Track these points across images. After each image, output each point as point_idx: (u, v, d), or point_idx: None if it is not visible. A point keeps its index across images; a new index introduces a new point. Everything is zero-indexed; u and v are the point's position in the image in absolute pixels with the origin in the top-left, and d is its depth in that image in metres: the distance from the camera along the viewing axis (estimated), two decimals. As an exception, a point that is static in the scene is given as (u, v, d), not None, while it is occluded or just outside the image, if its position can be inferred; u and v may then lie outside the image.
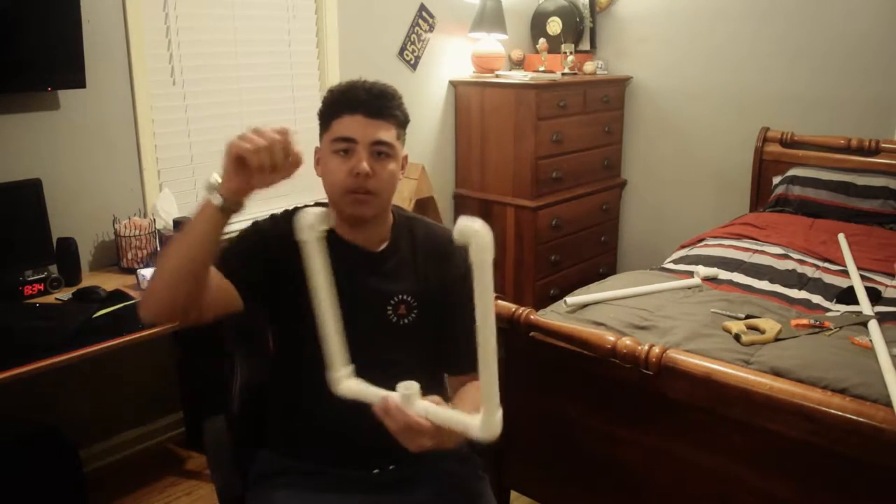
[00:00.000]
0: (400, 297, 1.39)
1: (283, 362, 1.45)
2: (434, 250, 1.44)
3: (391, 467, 1.40)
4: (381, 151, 1.32)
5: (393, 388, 1.13)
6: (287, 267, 1.29)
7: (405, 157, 1.40)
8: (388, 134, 1.32)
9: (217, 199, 1.11)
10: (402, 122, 1.36)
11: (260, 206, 2.93)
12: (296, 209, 1.37)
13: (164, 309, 1.19)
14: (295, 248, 1.19)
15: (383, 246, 1.41)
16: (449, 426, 1.09)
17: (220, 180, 1.12)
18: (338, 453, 1.38)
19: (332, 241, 1.35)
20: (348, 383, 1.15)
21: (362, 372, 1.26)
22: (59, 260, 2.27)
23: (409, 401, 1.09)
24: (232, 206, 1.12)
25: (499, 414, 1.05)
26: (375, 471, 1.39)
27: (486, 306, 1.00)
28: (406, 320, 1.39)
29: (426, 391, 1.29)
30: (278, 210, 1.46)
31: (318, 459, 1.38)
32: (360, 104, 1.30)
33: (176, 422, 2.75)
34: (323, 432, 1.38)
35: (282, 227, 1.35)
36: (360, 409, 1.16)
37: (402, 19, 3.34)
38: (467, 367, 1.27)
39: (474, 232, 0.97)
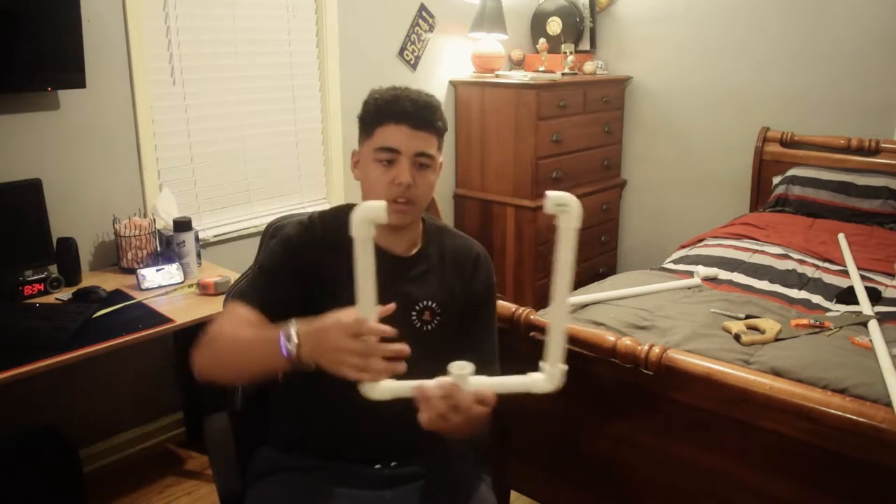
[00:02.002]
0: (425, 303, 1.41)
1: None
2: (461, 261, 1.46)
3: (392, 464, 1.40)
4: (423, 163, 1.35)
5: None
6: (316, 271, 1.35)
7: (441, 164, 1.43)
8: (430, 145, 1.35)
9: (290, 355, 1.12)
10: (442, 132, 1.39)
11: (265, 206, 2.94)
12: (322, 214, 1.42)
13: (218, 381, 1.29)
14: (326, 252, 1.27)
15: (413, 251, 1.44)
16: (511, 391, 1.16)
17: (297, 341, 1.12)
18: (341, 449, 1.38)
19: None
20: (382, 385, 1.14)
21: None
22: (59, 260, 2.27)
23: (464, 380, 1.12)
24: (302, 367, 1.14)
25: (564, 367, 1.15)
26: (377, 466, 1.39)
27: (566, 270, 1.10)
28: (429, 327, 1.41)
29: None
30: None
31: (320, 455, 1.38)
32: (405, 115, 1.32)
33: (176, 422, 2.75)
34: (327, 428, 1.39)
35: (313, 232, 1.39)
36: (366, 405, 1.17)
37: (402, 19, 3.34)
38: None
39: (569, 199, 1.08)
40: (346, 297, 1.14)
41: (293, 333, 1.13)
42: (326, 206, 1.50)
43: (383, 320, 1.26)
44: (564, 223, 1.09)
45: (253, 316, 1.31)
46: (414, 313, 1.40)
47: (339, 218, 1.39)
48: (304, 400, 1.41)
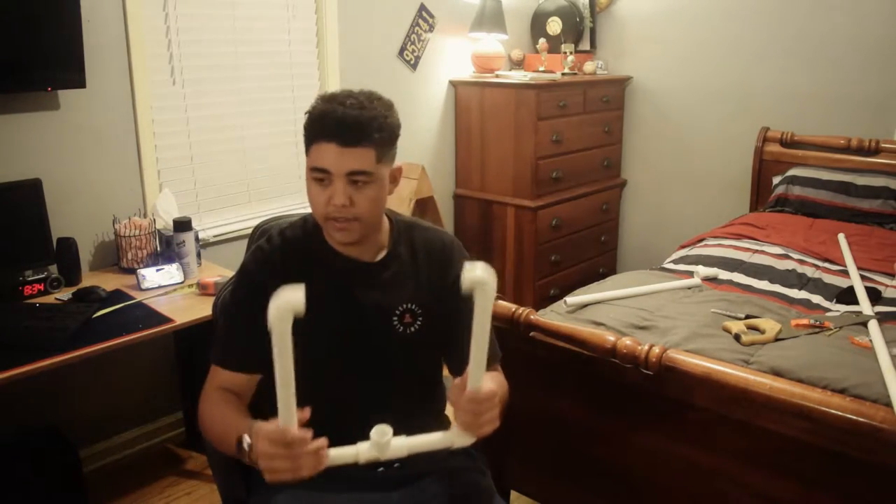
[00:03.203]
0: (405, 306, 1.38)
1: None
2: (434, 255, 1.43)
3: (395, 465, 1.39)
4: (358, 180, 1.26)
5: (401, 401, 1.25)
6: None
7: (398, 169, 1.36)
8: (364, 161, 1.25)
9: (249, 459, 1.18)
10: (384, 141, 1.28)
11: (265, 206, 2.94)
12: (282, 232, 1.38)
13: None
14: (288, 275, 1.18)
15: (381, 255, 1.39)
16: (431, 448, 1.17)
17: (247, 449, 1.18)
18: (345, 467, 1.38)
19: (330, 255, 1.37)
20: (330, 454, 1.15)
21: (372, 385, 1.36)
22: (59, 260, 2.27)
23: (385, 447, 1.13)
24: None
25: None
26: (380, 469, 1.39)
27: (483, 341, 1.09)
28: (412, 328, 1.38)
29: (428, 400, 1.38)
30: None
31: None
32: (332, 133, 1.24)
33: (176, 422, 2.75)
34: (328, 434, 1.38)
35: (272, 258, 1.35)
36: (367, 409, 1.21)
37: (402, 19, 3.34)
38: (459, 367, 1.28)
39: (482, 282, 1.04)
40: (308, 322, 1.09)
41: (245, 443, 1.19)
42: (304, 214, 1.48)
43: (368, 330, 1.33)
44: (481, 301, 1.06)
45: (235, 380, 1.34)
46: (395, 318, 1.37)
47: (302, 232, 1.38)
48: (308, 405, 1.40)
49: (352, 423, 1.18)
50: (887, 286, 2.27)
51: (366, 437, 1.17)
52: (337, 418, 1.20)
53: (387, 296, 1.37)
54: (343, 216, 1.27)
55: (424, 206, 3.29)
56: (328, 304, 1.33)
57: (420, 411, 1.42)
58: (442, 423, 1.50)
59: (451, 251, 1.45)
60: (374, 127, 1.26)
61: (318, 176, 1.27)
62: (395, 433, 1.18)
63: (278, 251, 1.36)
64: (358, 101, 1.27)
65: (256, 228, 1.59)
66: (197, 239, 2.50)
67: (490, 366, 1.24)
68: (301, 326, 1.16)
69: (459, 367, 1.35)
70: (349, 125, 1.24)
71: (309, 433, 1.09)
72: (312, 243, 1.37)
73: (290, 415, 1.07)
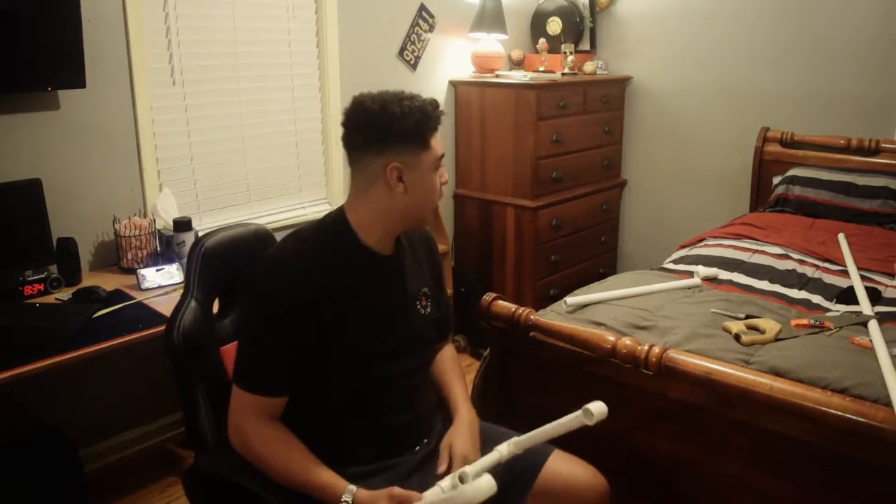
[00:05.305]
0: (421, 290, 1.53)
1: (326, 373, 1.41)
2: (423, 245, 1.60)
3: (425, 440, 1.51)
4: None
5: (424, 373, 1.55)
6: (326, 300, 1.34)
7: None
8: None
9: None
10: None
11: (265, 206, 2.94)
12: (294, 246, 1.39)
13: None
14: (330, 273, 1.35)
15: (393, 248, 1.48)
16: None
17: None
18: (389, 446, 1.45)
19: (355, 251, 1.41)
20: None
21: (406, 362, 1.47)
22: (59, 260, 2.27)
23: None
24: None
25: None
26: (416, 448, 1.48)
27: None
28: (428, 309, 1.54)
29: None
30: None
31: (368, 459, 1.42)
32: (439, 122, 1.38)
33: (176, 422, 2.75)
34: (371, 431, 1.45)
35: (295, 284, 1.32)
36: (401, 384, 1.45)
37: (402, 19, 3.34)
38: (446, 334, 1.65)
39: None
40: (354, 315, 1.37)
41: (349, 500, 1.26)
42: (326, 207, 1.55)
43: (408, 314, 1.49)
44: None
45: (277, 403, 1.36)
46: (419, 302, 1.52)
47: (316, 235, 1.41)
48: (346, 411, 1.43)
49: (391, 398, 1.43)
50: (887, 286, 2.27)
51: (403, 409, 1.45)
52: (377, 394, 1.42)
53: (408, 283, 1.50)
54: None
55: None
56: (367, 293, 1.42)
57: (431, 379, 1.61)
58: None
59: (430, 238, 1.66)
60: None
61: (438, 164, 1.41)
62: (421, 397, 1.50)
63: (304, 262, 1.35)
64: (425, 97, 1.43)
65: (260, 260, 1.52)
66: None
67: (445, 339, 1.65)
68: (343, 315, 1.35)
69: (441, 335, 1.65)
70: (441, 113, 1.40)
71: None
72: (334, 243, 1.41)
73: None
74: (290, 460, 1.32)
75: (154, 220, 2.48)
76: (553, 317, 1.97)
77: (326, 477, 1.30)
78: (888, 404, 1.43)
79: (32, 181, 2.19)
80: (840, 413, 1.39)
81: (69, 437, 2.25)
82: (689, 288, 2.24)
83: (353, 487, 1.27)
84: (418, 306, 1.51)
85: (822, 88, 3.32)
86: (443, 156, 1.41)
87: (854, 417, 1.37)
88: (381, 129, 1.33)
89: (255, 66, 2.85)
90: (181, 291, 2.26)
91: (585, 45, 3.90)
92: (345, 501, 1.26)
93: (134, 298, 2.19)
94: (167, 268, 2.35)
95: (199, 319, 1.50)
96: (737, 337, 1.81)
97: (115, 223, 2.42)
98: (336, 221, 1.42)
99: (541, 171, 3.43)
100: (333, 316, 1.35)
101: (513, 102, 3.39)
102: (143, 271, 2.30)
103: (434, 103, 1.38)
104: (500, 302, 1.89)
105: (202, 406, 1.47)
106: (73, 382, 2.43)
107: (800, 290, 2.28)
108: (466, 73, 3.67)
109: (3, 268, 2.15)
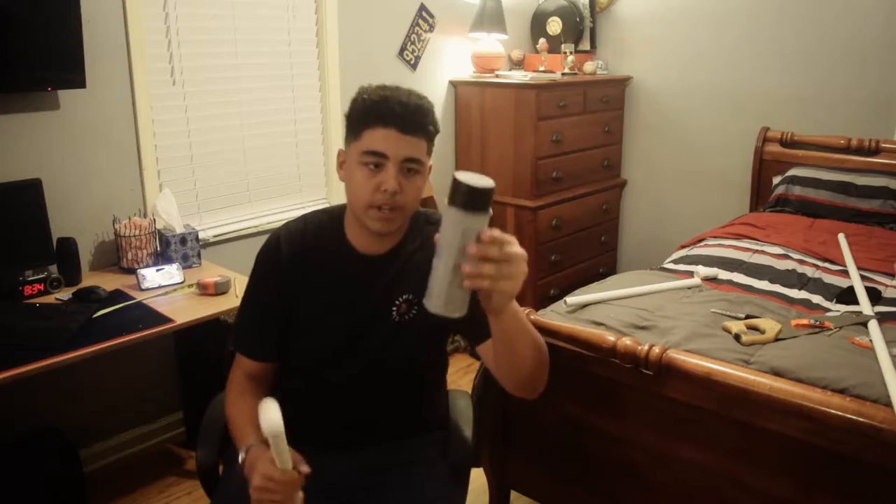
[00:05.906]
0: (403, 297, 1.40)
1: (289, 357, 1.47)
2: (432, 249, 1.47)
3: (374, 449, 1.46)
4: (411, 168, 1.30)
5: (390, 383, 1.41)
6: (289, 288, 1.39)
7: (430, 167, 1.38)
8: (419, 150, 1.30)
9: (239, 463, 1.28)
10: (433, 135, 1.33)
11: (265, 206, 2.94)
12: (289, 231, 1.43)
13: None
14: (293, 269, 1.37)
15: (387, 249, 1.40)
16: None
17: (240, 462, 1.27)
18: (323, 443, 1.42)
19: (336, 247, 1.40)
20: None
21: (364, 370, 1.40)
22: (59, 260, 2.27)
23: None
24: None
25: None
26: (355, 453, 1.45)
27: None
28: (406, 316, 1.41)
29: (417, 388, 1.48)
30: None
31: (312, 449, 1.40)
32: (394, 118, 1.26)
33: (176, 422, 2.75)
34: (321, 414, 1.44)
35: (278, 252, 1.40)
36: (356, 392, 1.39)
37: (402, 19, 3.34)
38: (488, 332, 1.25)
39: None
40: (319, 307, 1.37)
41: (241, 457, 1.27)
42: (326, 206, 1.52)
43: (369, 320, 1.39)
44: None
45: (254, 367, 1.43)
46: (394, 308, 1.40)
47: (304, 226, 1.43)
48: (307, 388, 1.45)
49: (341, 405, 1.39)
50: (887, 286, 2.27)
51: (352, 418, 1.39)
52: (329, 399, 1.40)
53: (390, 288, 1.39)
54: (389, 204, 1.29)
55: (424, 205, 3.27)
56: (333, 294, 1.39)
57: (409, 398, 1.48)
58: (432, 408, 1.55)
59: None
60: (430, 119, 1.31)
61: (371, 161, 1.28)
62: (380, 415, 1.42)
63: (285, 244, 1.41)
64: (415, 93, 1.31)
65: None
66: (197, 239, 2.50)
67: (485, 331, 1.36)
68: (306, 315, 1.34)
69: (479, 336, 1.33)
70: (412, 112, 1.27)
71: (301, 479, 1.19)
72: (318, 236, 1.41)
73: (284, 460, 1.18)
74: (234, 413, 1.38)
75: (154, 220, 2.48)
76: (553, 317, 1.97)
77: (240, 434, 1.32)
78: (888, 404, 1.43)
79: (32, 181, 2.19)
80: (840, 413, 1.39)
81: (69, 437, 2.25)
82: (689, 288, 2.24)
83: (251, 443, 1.27)
84: (393, 312, 1.40)
85: (823, 88, 3.32)
86: (379, 154, 1.27)
87: (854, 417, 1.37)
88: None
89: (256, 66, 2.85)
90: (181, 291, 2.29)
91: (585, 45, 3.90)
92: (241, 458, 1.27)
93: (134, 298, 2.19)
94: (167, 268, 2.35)
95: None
96: (737, 337, 1.81)
97: (115, 223, 2.42)
98: (338, 211, 1.44)
99: (541, 171, 3.43)
100: (295, 305, 1.39)
101: (513, 102, 3.39)
102: (143, 271, 2.30)
103: (409, 105, 1.27)
104: (500, 302, 1.89)
105: None
106: (73, 382, 2.43)
107: (800, 290, 2.28)
108: (466, 73, 3.67)
109: (3, 268, 2.15)
